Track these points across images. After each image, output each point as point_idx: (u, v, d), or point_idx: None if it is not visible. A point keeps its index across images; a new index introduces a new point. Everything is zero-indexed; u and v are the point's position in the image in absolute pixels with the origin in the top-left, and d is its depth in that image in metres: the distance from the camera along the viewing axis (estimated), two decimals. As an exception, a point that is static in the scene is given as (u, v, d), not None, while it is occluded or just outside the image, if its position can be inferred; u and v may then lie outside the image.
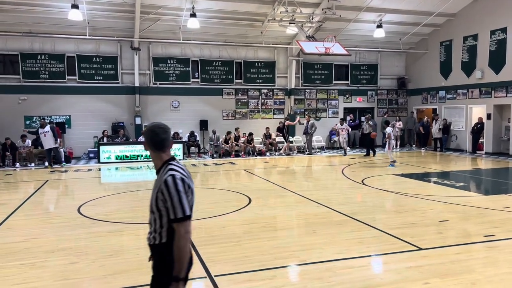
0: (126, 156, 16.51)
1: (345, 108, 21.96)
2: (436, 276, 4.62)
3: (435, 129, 19.28)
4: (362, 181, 11.29)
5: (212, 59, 19.64)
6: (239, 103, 20.33)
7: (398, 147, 21.13)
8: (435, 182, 11.15)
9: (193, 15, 15.95)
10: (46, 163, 15.20)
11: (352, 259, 5.24)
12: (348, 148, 19.03)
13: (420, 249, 5.53)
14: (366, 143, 18.31)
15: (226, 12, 17.17)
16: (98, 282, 4.64)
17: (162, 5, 16.07)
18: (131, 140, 17.65)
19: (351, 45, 19.59)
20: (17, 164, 15.29)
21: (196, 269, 4.92)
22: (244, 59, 20.16)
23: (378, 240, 6.03)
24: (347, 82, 22.05)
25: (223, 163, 16.02)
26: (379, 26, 18.46)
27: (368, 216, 7.30)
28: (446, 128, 19.45)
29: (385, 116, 22.09)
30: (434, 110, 20.83)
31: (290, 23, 17.04)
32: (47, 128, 14.84)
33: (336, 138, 20.48)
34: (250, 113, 20.51)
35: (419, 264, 5.02)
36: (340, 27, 18.81)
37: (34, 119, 17.35)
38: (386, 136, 14.62)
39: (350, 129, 19.29)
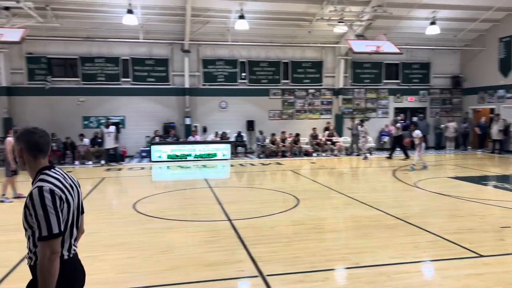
0: (176, 156, 17.00)
1: (395, 108, 21.32)
2: (499, 285, 4.38)
3: (495, 130, 18.21)
4: (415, 183, 10.91)
5: (259, 60, 19.78)
6: (286, 103, 20.31)
7: (452, 148, 20.22)
8: (494, 186, 10.56)
9: (241, 16, 16.14)
10: (103, 161, 16.01)
11: (407, 264, 5.08)
12: (367, 153, 17.72)
13: (481, 256, 5.27)
14: (398, 146, 17.37)
15: (274, 13, 17.22)
16: (155, 276, 4.83)
17: (211, 8, 16.39)
18: (181, 140, 18.17)
19: (402, 43, 18.97)
20: (76, 162, 16.21)
21: (248, 268, 4.99)
22: (291, 59, 20.12)
23: (434, 245, 5.81)
24: (397, 81, 21.40)
25: (269, 163, 16.08)
26: (433, 23, 17.74)
27: (422, 220, 7.06)
28: (505, 129, 18.34)
29: (437, 117, 21.22)
30: (492, 110, 19.71)
31: (338, 22, 16.80)
32: (112, 128, 15.70)
33: (385, 139, 19.95)
34: (296, 113, 20.43)
35: (480, 272, 4.78)
36: (391, 25, 18.27)
37: (91, 120, 18.30)
38: (415, 138, 13.82)
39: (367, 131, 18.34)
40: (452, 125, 20.17)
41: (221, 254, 5.52)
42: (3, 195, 9.19)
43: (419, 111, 21.45)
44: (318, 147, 18.78)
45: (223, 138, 18.21)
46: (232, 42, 18.22)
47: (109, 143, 15.79)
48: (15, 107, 17.52)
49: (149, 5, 15.94)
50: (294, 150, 18.41)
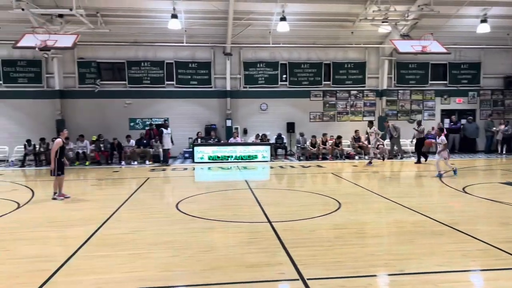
0: (218, 157, 17.25)
1: (442, 110, 20.52)
2: (557, 300, 4.10)
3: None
4: (463, 188, 10.43)
5: (300, 62, 19.69)
6: (327, 105, 20.09)
7: (504, 152, 19.17)
8: (552, 193, 9.89)
9: (283, 18, 16.15)
10: (151, 163, 16.56)
11: (455, 272, 4.86)
12: (372, 156, 16.18)
13: (536, 267, 4.95)
14: (416, 148, 16.63)
15: (316, 14, 17.10)
16: (197, 276, 4.91)
17: (253, 10, 16.52)
18: (222, 141, 18.41)
19: (450, 43, 18.22)
20: (123, 162, 16.84)
21: (288, 271, 4.97)
22: (333, 61, 19.88)
23: (485, 254, 5.52)
24: (445, 82, 20.60)
25: (310, 166, 15.95)
26: (484, 21, 16.94)
27: (471, 227, 6.73)
28: None
29: (489, 119, 20.20)
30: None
31: (382, 22, 16.43)
32: (170, 129, 16.30)
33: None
34: (338, 115, 20.15)
35: (536, 284, 4.49)
36: (438, 24, 17.60)
37: (137, 121, 18.96)
38: (439, 144, 12.68)
39: (380, 133, 16.62)
40: (505, 127, 19.12)
41: (261, 256, 5.53)
42: (55, 193, 9.67)
43: (468, 113, 20.51)
44: (361, 149, 18.41)
45: (263, 140, 18.27)
46: (273, 44, 18.26)
47: (168, 144, 16.31)
48: (67, 109, 18.48)
49: (193, 10, 16.31)
50: (335, 152, 18.14)
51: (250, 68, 19.47)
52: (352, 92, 20.16)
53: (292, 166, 16.01)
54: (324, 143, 18.17)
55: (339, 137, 18.27)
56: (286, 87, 19.77)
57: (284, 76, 19.82)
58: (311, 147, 18.02)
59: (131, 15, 16.62)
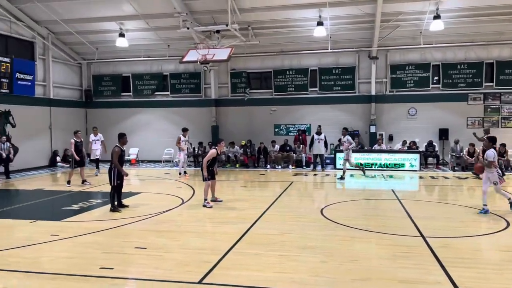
0: (361, 164, 16.75)
1: None
2: None
3: None
4: None
5: (456, 62, 17.90)
6: (489, 109, 17.79)
7: None
8: None
9: (437, 17, 14.93)
10: (294, 167, 17.06)
11: None
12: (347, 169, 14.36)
13: None
14: None
15: (475, 9, 15.34)
16: (347, 285, 4.85)
17: (403, 11, 15.67)
18: (366, 148, 17.87)
19: None
20: (268, 166, 17.70)
21: (449, 292, 4.55)
22: (496, 59, 17.56)
23: None
24: None
25: (467, 177, 14.35)
26: None
27: None
28: None
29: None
30: None
31: None
32: (322, 135, 16.68)
33: None
34: (503, 120, 17.67)
35: None
36: None
37: (281, 127, 19.74)
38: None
39: (353, 144, 14.56)
40: None
41: (415, 272, 5.19)
42: (205, 199, 9.61)
43: None
44: (532, 161, 15.79)
45: (411, 148, 17.11)
46: (424, 45, 17.02)
47: (321, 149, 16.69)
48: (220, 116, 20.28)
49: (338, 16, 16.25)
50: (500, 163, 15.88)
51: (397, 71, 18.48)
52: (522, 94, 17.47)
53: (445, 177, 14.62)
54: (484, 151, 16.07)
55: (503, 145, 15.96)
56: (439, 90, 18.17)
57: (436, 78, 18.26)
58: (468, 157, 16.16)
59: (278, 26, 17.40)
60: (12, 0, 16.36)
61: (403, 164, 16.38)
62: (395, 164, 16.45)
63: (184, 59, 15.47)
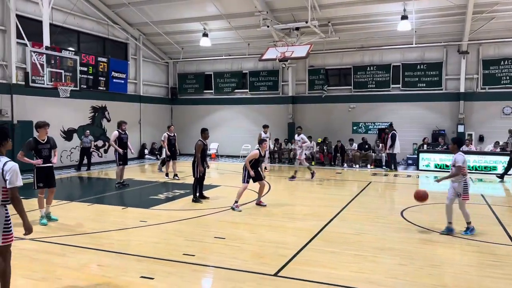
0: (446, 166, 15.73)
1: None
2: None
3: None
4: None
5: (562, 56, 16.04)
6: None
7: None
8: None
9: (540, 5, 13.51)
10: (373, 167, 16.58)
11: None
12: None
13: None
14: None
15: None
16: (427, 289, 4.67)
17: (499, 1, 14.40)
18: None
19: None
20: (345, 165, 17.38)
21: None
22: None
23: None
24: None
25: None
26: None
27: None
28: None
29: None
30: None
31: None
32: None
33: None
34: None
35: None
36: None
37: (360, 125, 19.24)
38: None
39: (308, 143, 14.52)
40: None
41: (504, 283, 4.83)
42: (236, 202, 8.94)
43: None
44: None
45: (505, 150, 15.66)
46: (523, 37, 15.49)
47: (398, 148, 16.10)
48: (297, 113, 20.31)
49: (425, 8, 15.42)
50: None
51: (491, 67, 17.02)
52: None
53: (545, 183, 13.21)
54: None
55: None
56: (540, 87, 16.44)
57: (538, 74, 16.52)
58: None
59: (359, 21, 16.96)
60: (110, 4, 17.91)
61: (495, 167, 15.08)
62: (485, 167, 15.21)
63: (264, 57, 15.74)
